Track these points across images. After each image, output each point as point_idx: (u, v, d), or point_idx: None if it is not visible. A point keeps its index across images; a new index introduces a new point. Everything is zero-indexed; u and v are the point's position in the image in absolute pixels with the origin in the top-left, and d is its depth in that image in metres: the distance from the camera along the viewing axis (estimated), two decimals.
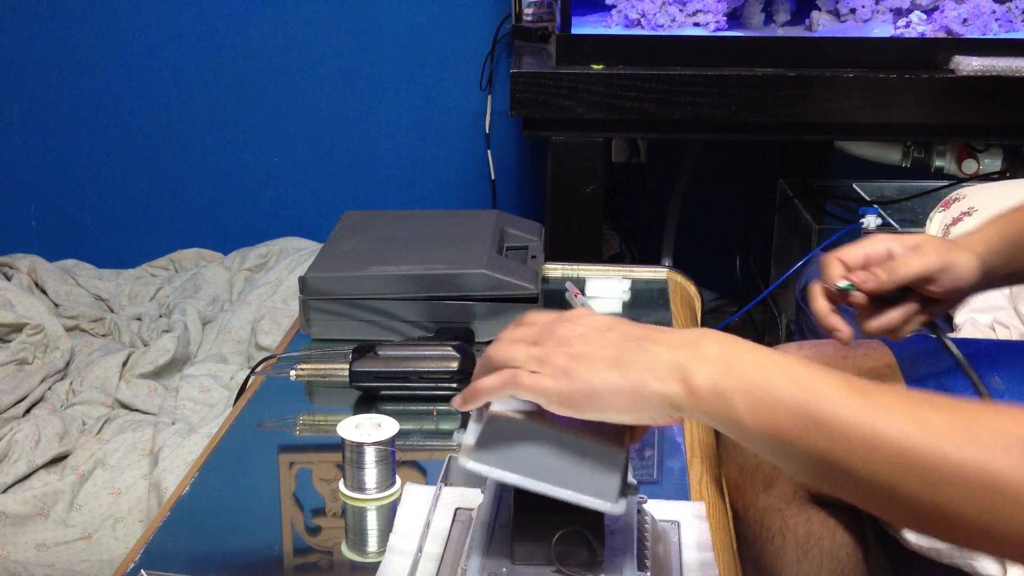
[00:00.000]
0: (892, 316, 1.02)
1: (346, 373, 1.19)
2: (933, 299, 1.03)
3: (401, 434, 1.00)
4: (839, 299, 1.03)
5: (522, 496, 0.78)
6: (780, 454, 0.66)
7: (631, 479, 0.79)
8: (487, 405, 0.76)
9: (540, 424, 0.74)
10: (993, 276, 1.04)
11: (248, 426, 1.18)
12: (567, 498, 0.73)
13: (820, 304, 1.03)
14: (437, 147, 2.75)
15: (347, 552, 0.96)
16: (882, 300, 1.02)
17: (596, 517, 0.78)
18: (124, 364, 2.14)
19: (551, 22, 2.26)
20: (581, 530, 0.77)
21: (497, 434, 0.74)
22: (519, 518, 0.78)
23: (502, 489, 0.86)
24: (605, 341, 0.72)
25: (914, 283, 1.01)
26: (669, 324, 1.42)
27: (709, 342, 0.69)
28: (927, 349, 1.14)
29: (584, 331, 0.73)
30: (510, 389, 0.73)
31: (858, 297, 1.01)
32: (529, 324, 0.76)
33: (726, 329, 2.23)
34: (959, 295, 1.04)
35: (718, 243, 2.69)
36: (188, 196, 2.79)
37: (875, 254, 1.02)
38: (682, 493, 1.03)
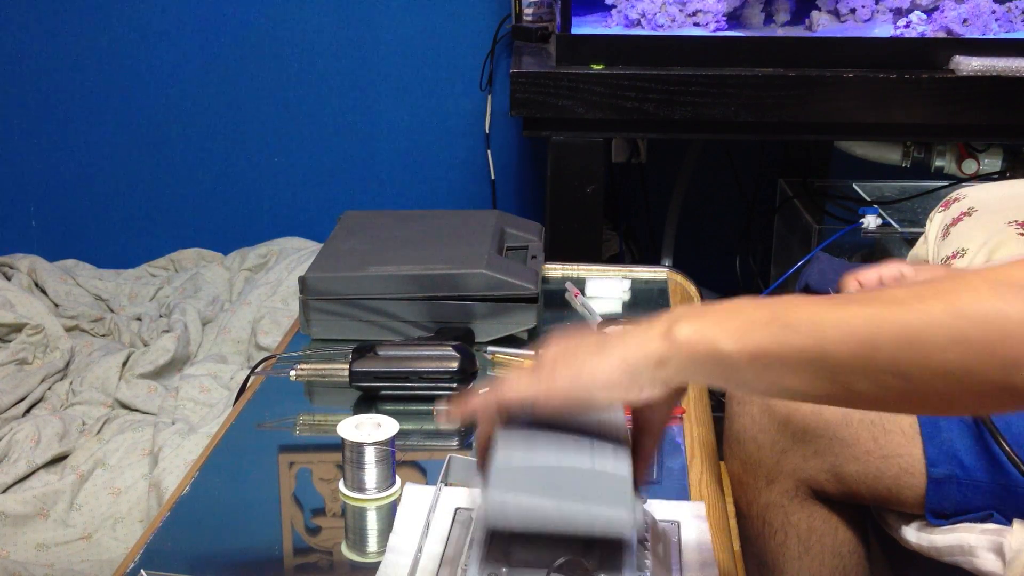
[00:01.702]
0: None
1: (346, 373, 1.19)
2: None
3: (401, 434, 1.00)
4: None
5: None
6: (766, 372, 0.67)
7: (640, 492, 0.78)
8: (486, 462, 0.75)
9: (545, 455, 0.73)
10: None
11: (248, 426, 1.18)
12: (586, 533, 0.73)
13: None
14: (437, 147, 2.75)
15: (347, 552, 0.96)
16: None
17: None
18: (124, 364, 2.14)
19: (551, 22, 2.25)
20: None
21: (506, 481, 0.73)
22: None
23: None
24: (586, 341, 0.73)
25: None
26: None
27: (683, 311, 0.71)
28: None
29: (566, 344, 0.74)
30: (494, 396, 0.74)
31: None
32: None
33: None
34: None
35: (718, 243, 2.69)
36: (188, 196, 2.79)
37: (888, 277, 1.03)
38: (682, 493, 1.03)
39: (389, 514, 0.98)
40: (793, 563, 1.15)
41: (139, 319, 2.39)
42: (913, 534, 1.09)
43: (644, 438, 0.77)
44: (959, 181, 2.11)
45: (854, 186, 2.35)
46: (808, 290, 1.34)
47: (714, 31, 1.95)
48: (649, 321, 0.71)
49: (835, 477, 1.09)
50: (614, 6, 1.99)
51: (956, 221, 1.60)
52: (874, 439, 1.06)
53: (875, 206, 2.21)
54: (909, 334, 0.62)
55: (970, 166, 2.07)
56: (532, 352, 0.77)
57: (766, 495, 1.14)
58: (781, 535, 1.14)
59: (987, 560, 1.01)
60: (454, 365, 1.18)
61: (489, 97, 2.68)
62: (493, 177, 2.73)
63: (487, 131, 2.70)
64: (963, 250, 1.54)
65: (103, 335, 2.36)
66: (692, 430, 1.15)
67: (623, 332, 0.72)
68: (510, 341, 1.33)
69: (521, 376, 0.74)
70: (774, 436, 1.11)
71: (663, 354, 0.69)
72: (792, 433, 1.09)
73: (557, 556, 0.77)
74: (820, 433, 1.08)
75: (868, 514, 1.18)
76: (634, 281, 1.53)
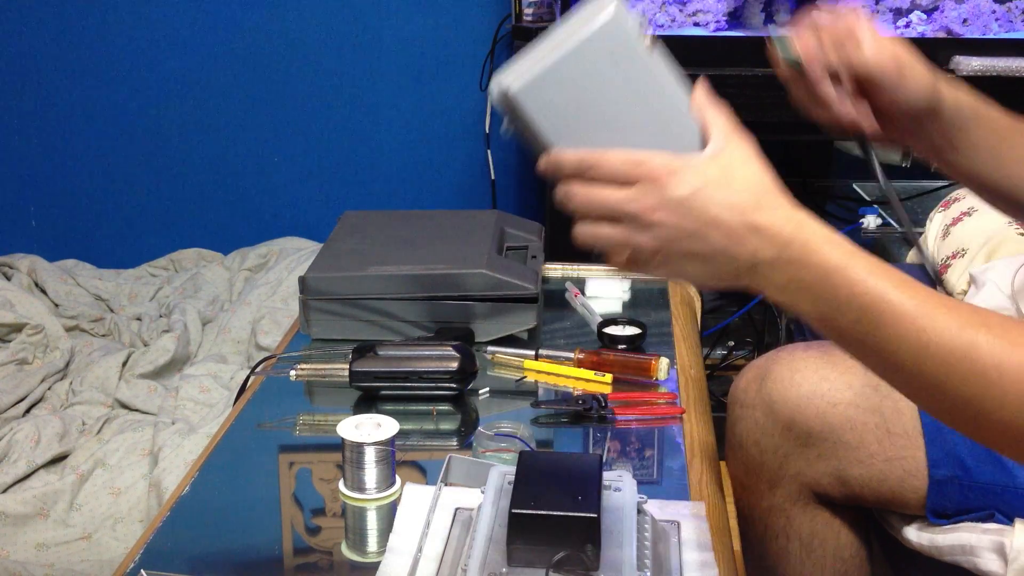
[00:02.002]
0: (828, 93, 0.92)
1: (346, 373, 1.19)
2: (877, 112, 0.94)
3: (401, 434, 1.00)
4: (785, 69, 0.93)
5: (519, 497, 0.78)
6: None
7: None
8: None
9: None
10: (935, 125, 0.94)
11: (248, 426, 1.18)
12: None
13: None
14: (437, 147, 2.75)
15: (347, 552, 0.96)
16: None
17: (593, 519, 0.78)
18: (124, 364, 2.13)
19: (551, 22, 2.25)
20: (579, 533, 0.77)
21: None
22: (516, 519, 0.78)
23: (502, 489, 0.86)
24: (683, 240, 0.74)
25: (862, 79, 0.92)
26: (669, 324, 1.42)
27: (777, 251, 0.74)
28: None
29: (665, 236, 0.74)
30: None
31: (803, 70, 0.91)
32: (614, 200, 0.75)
33: (725, 330, 2.21)
34: (899, 117, 0.94)
35: None
36: (188, 196, 2.79)
37: (845, 28, 0.91)
38: (682, 493, 1.03)
39: (389, 514, 0.98)
40: (795, 567, 1.14)
41: (139, 319, 2.39)
42: (914, 534, 1.09)
43: None
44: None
45: (854, 186, 2.35)
46: None
47: (714, 31, 1.95)
48: (742, 235, 0.73)
49: (839, 481, 1.09)
50: None
51: (956, 221, 1.60)
52: (878, 442, 1.06)
53: (875, 206, 2.21)
54: (979, 379, 0.69)
55: None
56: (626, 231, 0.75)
57: (768, 499, 1.13)
58: (783, 539, 1.14)
59: (989, 560, 1.01)
60: (454, 365, 1.18)
61: (489, 97, 2.68)
62: (493, 177, 2.73)
63: (487, 131, 2.70)
64: (963, 250, 1.54)
65: (103, 335, 2.36)
66: (692, 430, 1.15)
67: (719, 242, 0.73)
68: (510, 341, 1.33)
69: (615, 255, 0.75)
70: (777, 440, 1.10)
71: (746, 285, 0.75)
72: (795, 437, 1.09)
73: (556, 555, 0.77)
74: (824, 437, 1.07)
75: (870, 516, 1.17)
76: (634, 281, 1.53)
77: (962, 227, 1.57)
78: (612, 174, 0.74)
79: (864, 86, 0.92)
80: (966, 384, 0.70)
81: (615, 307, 1.48)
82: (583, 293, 1.46)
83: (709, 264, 0.74)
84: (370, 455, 0.98)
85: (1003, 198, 1.00)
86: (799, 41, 0.91)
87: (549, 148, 0.73)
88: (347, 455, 0.99)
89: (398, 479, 1.01)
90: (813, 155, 2.53)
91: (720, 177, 0.74)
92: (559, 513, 0.78)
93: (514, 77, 0.72)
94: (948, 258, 1.55)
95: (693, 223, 0.73)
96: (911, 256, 1.75)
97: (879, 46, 0.90)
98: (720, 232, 0.73)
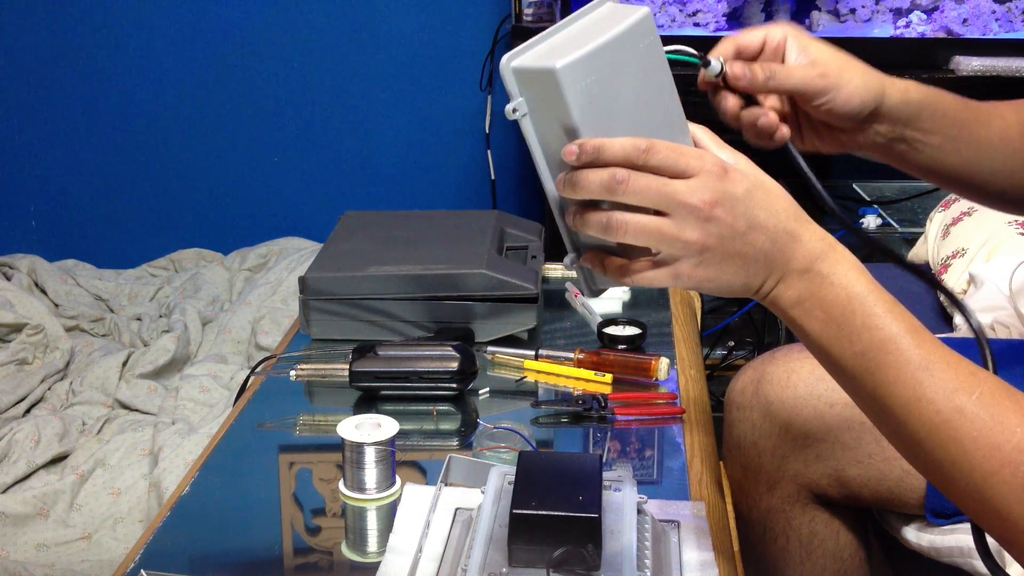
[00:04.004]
0: (754, 112, 0.90)
1: (346, 373, 1.19)
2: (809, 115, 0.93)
3: (401, 434, 1.00)
4: (711, 85, 0.91)
5: (519, 497, 0.78)
6: (833, 373, 0.76)
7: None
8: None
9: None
10: (882, 125, 0.93)
11: (248, 426, 1.18)
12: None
13: (729, 103, 0.91)
14: (437, 147, 2.75)
15: (347, 552, 0.96)
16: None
17: (594, 519, 0.78)
18: (124, 364, 2.13)
19: (551, 22, 2.26)
20: (580, 533, 0.77)
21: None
22: (516, 519, 0.78)
23: (502, 489, 0.87)
24: (729, 241, 0.73)
25: (790, 94, 0.91)
26: (669, 324, 1.42)
27: (802, 280, 0.75)
28: None
29: (717, 232, 0.73)
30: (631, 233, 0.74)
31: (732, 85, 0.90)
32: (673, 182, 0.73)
33: (725, 330, 2.21)
34: (839, 123, 0.93)
35: None
36: (188, 196, 2.79)
37: (771, 46, 0.90)
38: (682, 493, 1.03)
39: (389, 514, 0.98)
40: (794, 568, 1.14)
41: (139, 319, 2.39)
42: (914, 534, 1.09)
43: None
44: None
45: (854, 186, 2.35)
46: None
47: (714, 31, 1.95)
48: (784, 242, 0.74)
49: (837, 481, 1.09)
50: None
51: (956, 221, 1.60)
52: (877, 442, 1.06)
53: (875, 206, 2.21)
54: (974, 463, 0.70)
55: None
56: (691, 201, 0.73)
57: (767, 500, 1.13)
58: (782, 540, 1.14)
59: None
60: (454, 365, 1.18)
61: (489, 97, 2.68)
62: (493, 177, 2.73)
63: (487, 131, 2.70)
64: (963, 250, 1.54)
65: (103, 335, 2.36)
66: (692, 431, 1.15)
67: (763, 246, 0.73)
68: (510, 341, 1.33)
69: (660, 245, 0.73)
70: (775, 442, 1.10)
71: (761, 296, 0.75)
72: (794, 438, 1.09)
73: (556, 558, 0.77)
74: (822, 438, 1.07)
75: (869, 517, 1.17)
76: None
77: (962, 227, 1.58)
78: (671, 164, 0.72)
79: (795, 100, 0.92)
80: (942, 448, 0.71)
81: (615, 307, 1.48)
82: (583, 293, 1.46)
83: (747, 267, 0.73)
84: (370, 455, 0.98)
85: (965, 185, 0.99)
86: (734, 67, 0.89)
87: (573, 133, 0.72)
88: (347, 455, 0.99)
89: (398, 479, 1.01)
90: (813, 155, 2.53)
91: (762, 184, 0.75)
92: (560, 513, 0.78)
93: (551, 57, 0.71)
94: (948, 258, 1.55)
95: (744, 224, 0.73)
96: (911, 256, 1.75)
97: (806, 63, 0.89)
98: (764, 236, 0.73)
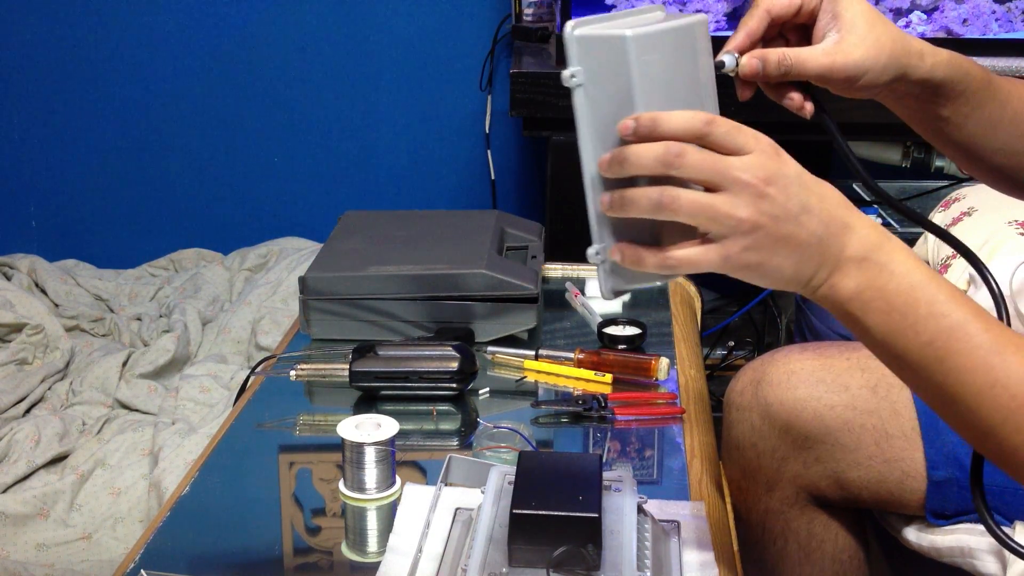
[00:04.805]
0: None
1: (346, 373, 1.19)
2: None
3: (401, 434, 1.00)
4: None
5: (519, 497, 0.78)
6: (888, 361, 0.75)
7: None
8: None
9: None
10: (902, 85, 0.89)
11: (248, 426, 1.18)
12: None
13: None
14: (437, 147, 2.75)
15: (347, 552, 0.96)
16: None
17: (595, 519, 0.78)
18: (124, 364, 2.14)
19: (551, 22, 2.25)
20: (580, 533, 0.77)
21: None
22: (516, 519, 0.78)
23: (502, 489, 0.87)
24: (782, 223, 0.71)
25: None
26: (669, 324, 1.42)
27: (861, 267, 0.73)
28: None
29: (769, 212, 0.71)
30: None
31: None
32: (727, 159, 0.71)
33: (725, 330, 2.21)
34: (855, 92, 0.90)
35: None
36: (188, 196, 2.79)
37: (807, 11, 0.86)
38: (682, 493, 1.03)
39: (389, 514, 0.98)
40: (793, 569, 1.14)
41: (139, 319, 2.39)
42: (914, 535, 1.09)
43: None
44: (959, 181, 2.11)
45: (854, 186, 2.35)
46: None
47: (714, 31, 1.95)
48: (837, 228, 0.72)
49: (837, 483, 1.09)
50: (614, 6, 1.99)
51: (956, 221, 1.60)
52: (876, 444, 1.06)
53: (875, 206, 2.21)
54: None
55: None
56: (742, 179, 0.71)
57: (766, 501, 1.13)
58: (781, 541, 1.14)
59: (987, 563, 1.01)
60: (454, 365, 1.18)
61: (489, 97, 2.68)
62: (493, 177, 2.73)
63: (487, 131, 2.70)
64: None
65: (103, 335, 2.36)
66: (692, 431, 1.15)
67: (817, 230, 0.71)
68: (510, 341, 1.33)
69: (710, 225, 0.71)
70: (774, 443, 1.10)
71: (815, 288, 0.73)
72: (793, 440, 1.09)
73: (556, 558, 0.77)
74: (822, 439, 1.07)
75: (868, 518, 1.17)
76: None
77: (962, 227, 1.57)
78: (731, 140, 0.71)
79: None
80: (1019, 433, 0.69)
81: (615, 307, 1.48)
82: (583, 293, 1.46)
83: (799, 253, 0.71)
84: (370, 455, 0.98)
85: (961, 152, 0.96)
86: (741, 63, 0.84)
87: (630, 106, 0.72)
88: (347, 455, 0.99)
89: (398, 479, 1.01)
90: (813, 155, 2.52)
91: (807, 172, 0.74)
92: (560, 513, 0.78)
93: (620, 29, 0.72)
94: (948, 257, 1.55)
95: (796, 206, 0.71)
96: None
97: (830, 45, 0.84)
98: (817, 221, 0.71)
